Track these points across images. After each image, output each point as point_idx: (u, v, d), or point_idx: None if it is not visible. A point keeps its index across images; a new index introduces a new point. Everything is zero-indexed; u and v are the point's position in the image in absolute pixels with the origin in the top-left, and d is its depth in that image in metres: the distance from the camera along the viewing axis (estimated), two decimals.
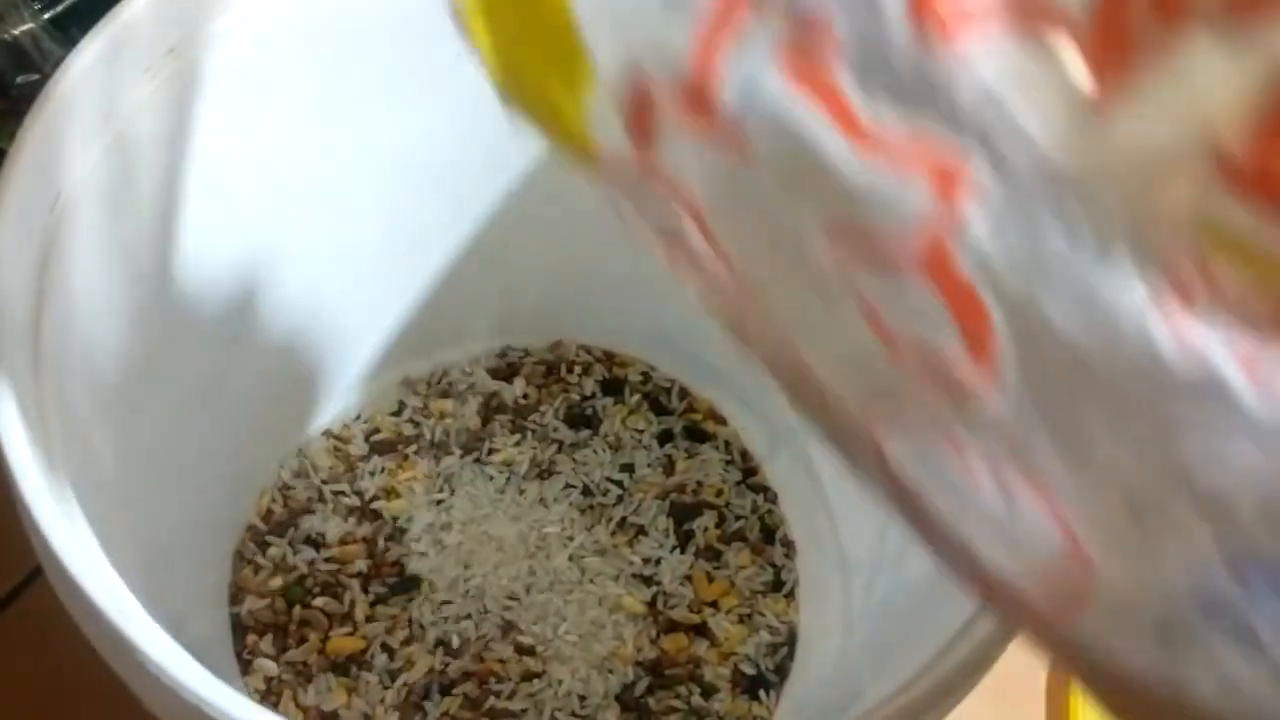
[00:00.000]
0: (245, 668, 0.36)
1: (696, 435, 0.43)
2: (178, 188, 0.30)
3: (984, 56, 0.15)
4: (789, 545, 0.42)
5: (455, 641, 0.38)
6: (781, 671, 0.39)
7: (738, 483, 0.43)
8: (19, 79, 0.36)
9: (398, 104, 0.34)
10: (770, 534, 0.42)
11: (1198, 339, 0.14)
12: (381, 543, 0.40)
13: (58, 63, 0.35)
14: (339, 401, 0.43)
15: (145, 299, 0.30)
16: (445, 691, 0.37)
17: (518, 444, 0.42)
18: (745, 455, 0.43)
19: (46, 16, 0.38)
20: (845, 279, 0.16)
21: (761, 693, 0.38)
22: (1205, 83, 0.14)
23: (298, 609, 0.38)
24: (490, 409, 0.43)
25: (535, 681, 0.38)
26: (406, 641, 0.38)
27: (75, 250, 0.26)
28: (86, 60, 0.25)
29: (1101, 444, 0.15)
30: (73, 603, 0.22)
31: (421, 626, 0.38)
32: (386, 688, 0.37)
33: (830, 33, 0.15)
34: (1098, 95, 0.15)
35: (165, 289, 0.31)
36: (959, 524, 0.17)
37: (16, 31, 0.36)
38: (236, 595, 0.38)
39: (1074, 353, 0.15)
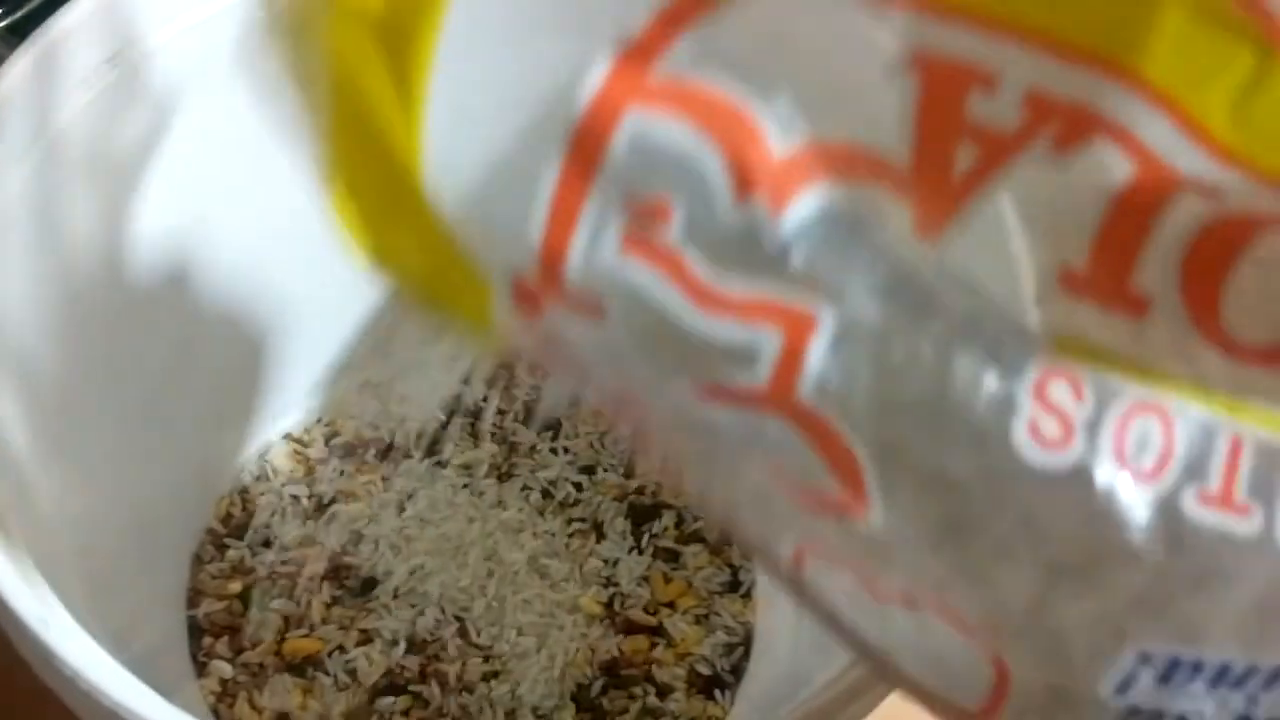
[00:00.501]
0: (201, 670, 0.37)
1: None
2: (118, 199, 0.30)
3: (810, 211, 0.16)
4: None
5: (411, 642, 0.38)
6: (737, 671, 0.39)
7: None
8: None
9: None
10: (728, 534, 0.42)
11: (1058, 434, 0.15)
12: (340, 545, 0.40)
13: None
14: (300, 405, 0.43)
15: (87, 311, 0.31)
16: (400, 692, 0.37)
17: (476, 446, 0.42)
18: None
19: (4, 24, 0.38)
20: (715, 426, 0.17)
21: (717, 692, 0.39)
22: (1032, 209, 0.15)
23: (254, 611, 0.38)
24: (449, 411, 0.43)
25: (492, 682, 0.38)
26: (362, 642, 0.38)
27: (7, 265, 0.26)
28: (18, 73, 0.25)
29: (985, 554, 0.16)
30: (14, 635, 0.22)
31: (378, 628, 0.38)
32: (342, 689, 0.37)
33: (666, 210, 0.17)
34: (924, 230, 0.16)
35: (109, 300, 0.32)
36: (880, 639, 0.18)
37: None
38: (194, 598, 0.38)
39: (936, 466, 0.16)
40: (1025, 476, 0.15)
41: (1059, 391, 0.15)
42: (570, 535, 0.41)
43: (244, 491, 0.41)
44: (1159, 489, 0.15)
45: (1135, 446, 0.15)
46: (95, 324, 0.31)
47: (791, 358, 0.16)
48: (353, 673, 0.37)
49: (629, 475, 0.43)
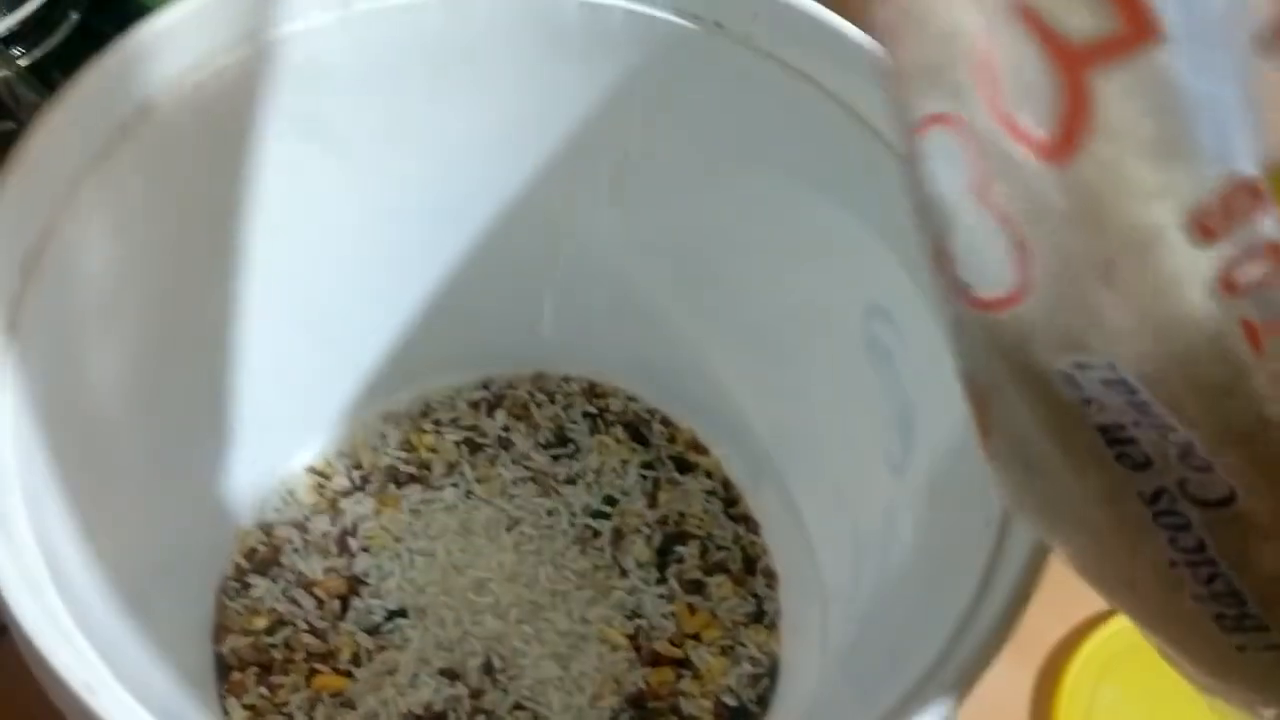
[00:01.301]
0: (227, 706, 0.37)
1: (679, 465, 0.44)
2: (154, 239, 0.30)
3: None
4: (770, 576, 0.42)
5: (438, 678, 0.38)
6: (763, 702, 0.39)
7: (720, 513, 0.43)
8: None
9: (371, 148, 0.35)
10: (752, 564, 0.42)
11: None
12: (365, 578, 0.40)
13: (34, 109, 0.36)
14: (321, 436, 0.43)
15: (121, 342, 0.31)
16: None
17: (500, 476, 0.42)
18: (727, 485, 0.44)
19: (25, 63, 0.38)
20: None
21: None
22: None
23: (281, 647, 0.38)
24: (472, 442, 0.43)
25: (518, 714, 0.38)
26: (390, 678, 0.38)
27: (45, 301, 0.26)
28: (64, 108, 0.25)
29: None
30: (39, 671, 0.22)
31: (403, 661, 0.38)
32: None
33: None
34: None
35: (141, 330, 0.32)
36: None
37: None
38: (219, 634, 0.38)
39: None
40: None
41: None
42: (595, 566, 0.41)
43: (267, 526, 0.40)
44: None
45: None
46: (129, 350, 0.31)
47: None
48: (382, 708, 0.37)
49: (652, 504, 0.42)
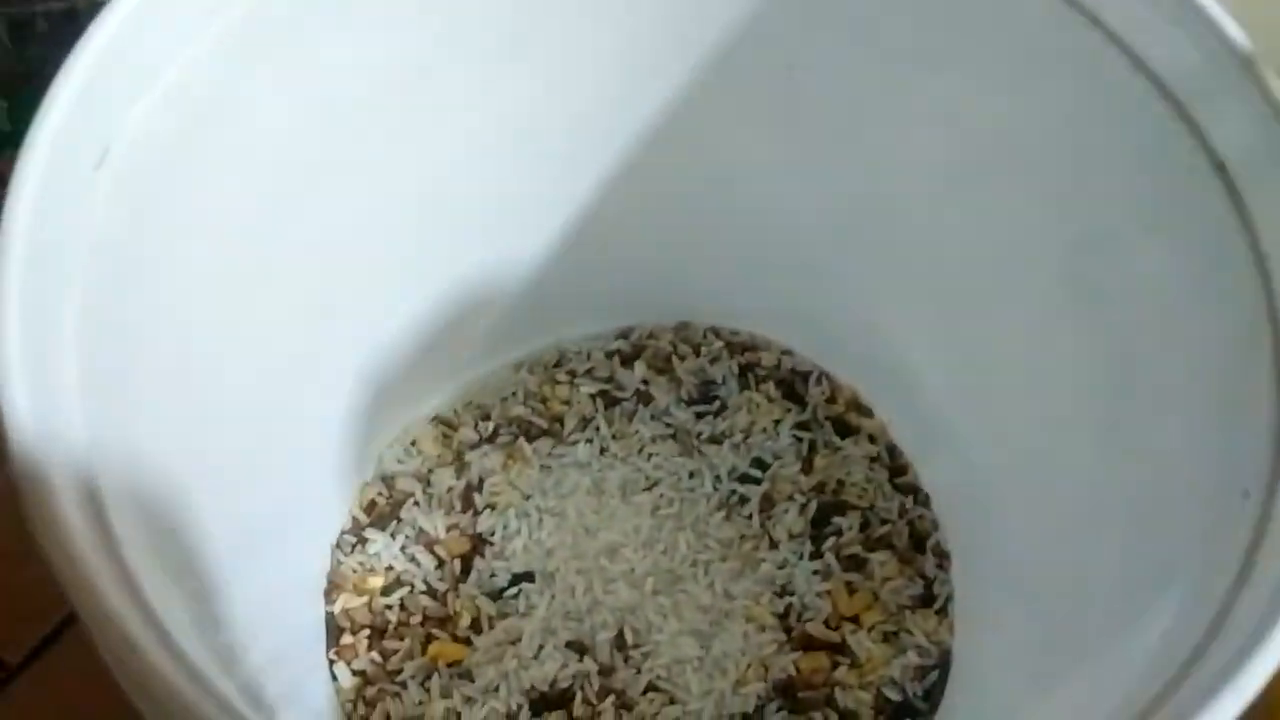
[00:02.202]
0: (336, 671, 0.34)
1: (839, 428, 0.39)
2: (253, 148, 0.27)
3: None
4: (942, 555, 0.37)
5: (565, 651, 0.34)
6: (931, 699, 0.34)
7: (885, 483, 0.38)
8: None
9: (498, 62, 0.31)
10: (920, 541, 0.37)
11: None
12: (489, 538, 0.36)
13: None
14: (449, 385, 0.39)
15: (223, 267, 0.28)
16: (553, 707, 0.34)
17: (638, 434, 0.38)
18: (893, 452, 0.39)
19: None
20: None
21: None
22: None
23: (397, 609, 0.35)
24: (609, 395, 0.39)
25: (652, 697, 0.34)
26: (513, 648, 0.34)
27: (133, 212, 0.23)
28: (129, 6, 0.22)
29: None
30: (107, 641, 0.19)
31: (528, 631, 0.34)
32: (489, 700, 0.33)
33: None
34: None
35: (246, 255, 0.29)
36: None
37: None
38: (331, 592, 0.35)
39: None
40: None
41: None
42: (741, 537, 0.37)
43: (388, 478, 0.37)
44: None
45: None
46: (242, 290, 0.28)
47: None
48: (502, 681, 0.34)
49: (807, 470, 0.38)
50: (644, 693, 0.34)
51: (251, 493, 0.31)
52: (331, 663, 0.34)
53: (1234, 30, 0.23)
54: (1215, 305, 0.23)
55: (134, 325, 0.25)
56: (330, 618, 0.35)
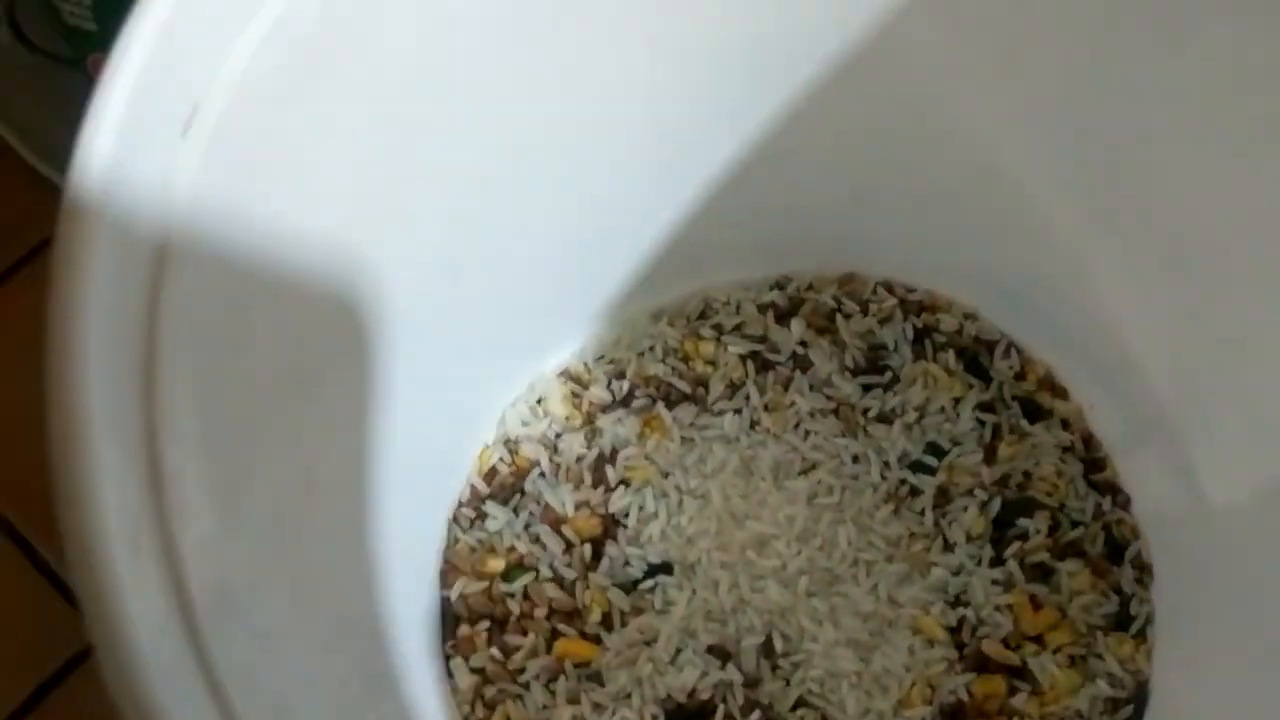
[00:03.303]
0: (453, 667, 0.30)
1: (1028, 410, 0.33)
2: (368, 91, 0.22)
3: None
4: (1144, 569, 0.32)
5: (706, 657, 0.30)
6: None
7: (1079, 478, 0.33)
8: None
9: None
10: (1118, 551, 0.32)
11: None
12: (623, 519, 0.32)
13: None
14: (579, 334, 0.35)
15: (336, 212, 0.23)
16: (692, 718, 0.30)
17: (794, 407, 0.33)
18: (1090, 442, 0.33)
19: None
20: None
21: None
22: None
23: (519, 598, 0.31)
24: (761, 358, 0.34)
25: (803, 713, 0.30)
26: (648, 650, 0.30)
27: (227, 174, 0.19)
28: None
29: None
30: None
31: (665, 631, 0.31)
32: (620, 709, 0.30)
33: None
34: None
35: (364, 203, 0.24)
36: None
37: None
38: (448, 576, 0.31)
39: None
40: None
41: None
42: (910, 534, 0.32)
43: (511, 443, 0.33)
44: None
45: None
46: (333, 222, 0.24)
47: None
48: (636, 687, 0.30)
49: (990, 460, 0.33)
50: (793, 709, 0.30)
51: (365, 460, 0.27)
52: (448, 657, 0.30)
53: None
54: None
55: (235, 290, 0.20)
56: (446, 603, 0.31)
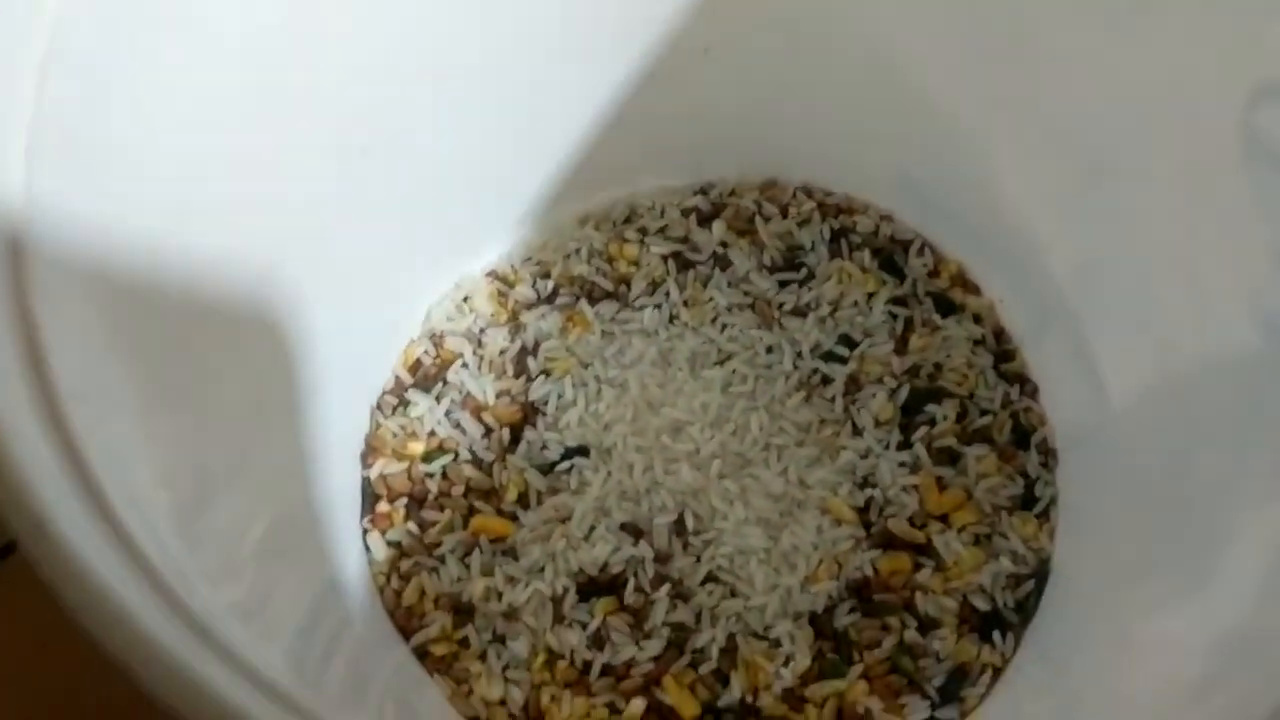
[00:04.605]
0: (369, 541, 0.31)
1: (940, 305, 0.34)
2: None
3: None
4: (1049, 453, 0.33)
5: (619, 533, 0.31)
6: (1024, 611, 0.31)
7: (989, 369, 0.34)
8: None
9: None
10: (1025, 437, 0.33)
11: None
12: (542, 407, 0.33)
13: None
14: (507, 237, 0.36)
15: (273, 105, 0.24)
16: (603, 592, 0.31)
17: (712, 302, 0.34)
18: (1000, 335, 0.34)
19: None
20: None
21: (996, 635, 0.30)
22: None
23: (438, 478, 0.32)
24: (682, 257, 0.35)
25: (712, 588, 0.31)
26: (562, 527, 0.31)
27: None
28: None
29: None
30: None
31: (579, 510, 0.31)
32: (533, 581, 0.31)
33: None
34: None
35: (297, 91, 0.25)
36: None
37: None
38: (369, 455, 0.32)
39: None
40: None
41: None
42: (822, 420, 0.33)
43: (436, 336, 0.34)
44: None
45: None
46: (278, 107, 0.25)
47: None
48: (549, 562, 0.31)
49: (901, 350, 0.34)
50: (703, 583, 0.31)
51: (293, 348, 0.28)
52: (365, 532, 0.31)
53: None
54: None
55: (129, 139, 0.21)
56: (366, 483, 0.32)
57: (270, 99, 0.26)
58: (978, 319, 0.34)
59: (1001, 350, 0.34)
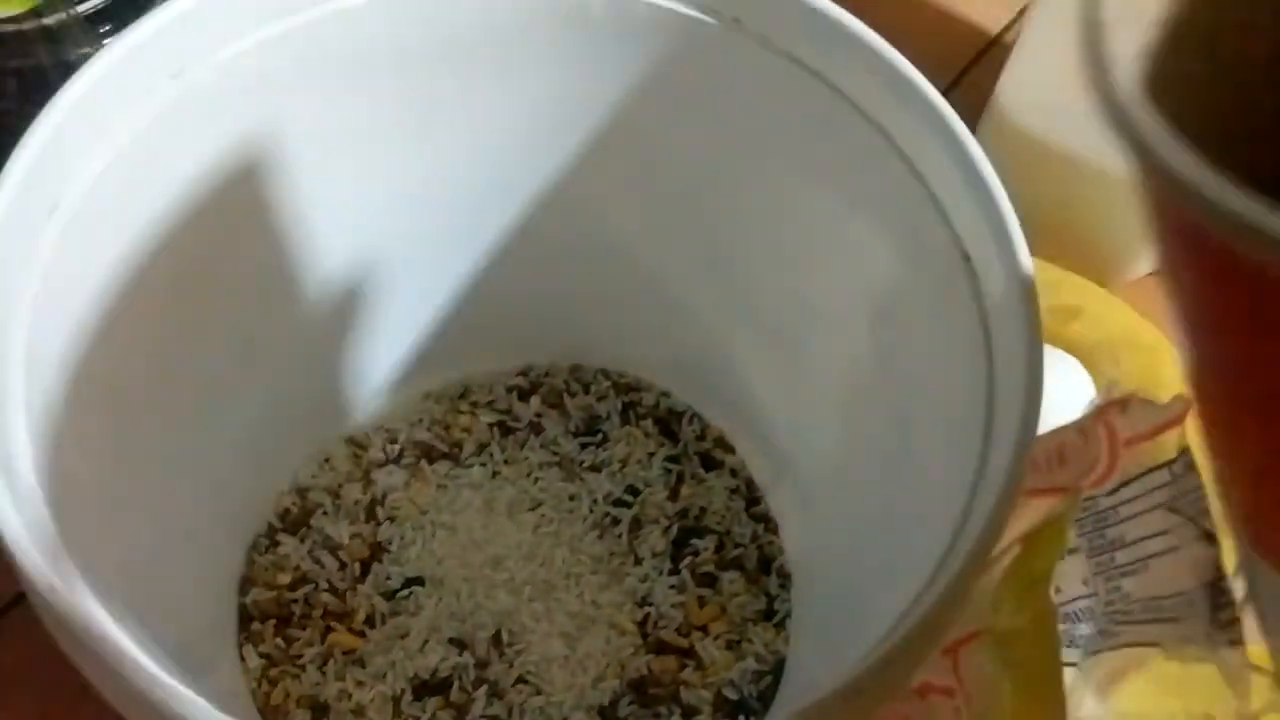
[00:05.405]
0: (244, 653, 0.38)
1: (705, 462, 0.44)
2: (185, 203, 0.32)
3: None
4: (785, 576, 0.42)
5: (447, 645, 0.39)
6: (765, 699, 0.40)
7: (741, 511, 0.43)
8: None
9: (402, 131, 0.36)
10: (767, 564, 0.42)
11: None
12: (388, 545, 0.41)
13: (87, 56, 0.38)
14: (362, 410, 0.45)
15: (155, 303, 0.33)
16: (434, 692, 0.39)
17: (528, 460, 0.44)
18: (750, 485, 0.44)
19: (109, 41, 0.41)
20: None
21: (742, 717, 0.39)
22: None
23: (301, 603, 0.40)
24: (505, 425, 0.44)
25: (521, 688, 0.39)
26: (401, 641, 0.39)
27: (77, 254, 0.29)
28: (90, 77, 0.28)
29: None
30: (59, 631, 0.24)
31: (416, 627, 0.39)
32: (377, 685, 0.38)
33: None
34: None
35: (177, 292, 0.34)
36: None
37: (75, 54, 0.39)
38: (245, 586, 0.40)
39: None
40: None
41: None
42: (611, 553, 0.42)
43: (302, 490, 0.42)
44: None
45: None
46: (166, 312, 0.33)
47: None
48: (390, 669, 0.39)
49: (673, 497, 0.43)
50: (514, 684, 0.39)
51: (180, 501, 0.36)
52: (241, 645, 0.39)
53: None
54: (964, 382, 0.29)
55: (70, 353, 0.30)
56: (243, 607, 0.39)
57: (190, 310, 0.34)
58: (734, 472, 0.44)
59: (751, 496, 0.44)
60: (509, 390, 0.46)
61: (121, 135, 0.29)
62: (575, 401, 0.45)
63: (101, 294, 0.30)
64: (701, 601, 0.41)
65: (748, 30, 0.33)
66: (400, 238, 0.41)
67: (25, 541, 0.23)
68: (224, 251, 0.35)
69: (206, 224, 0.33)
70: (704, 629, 0.41)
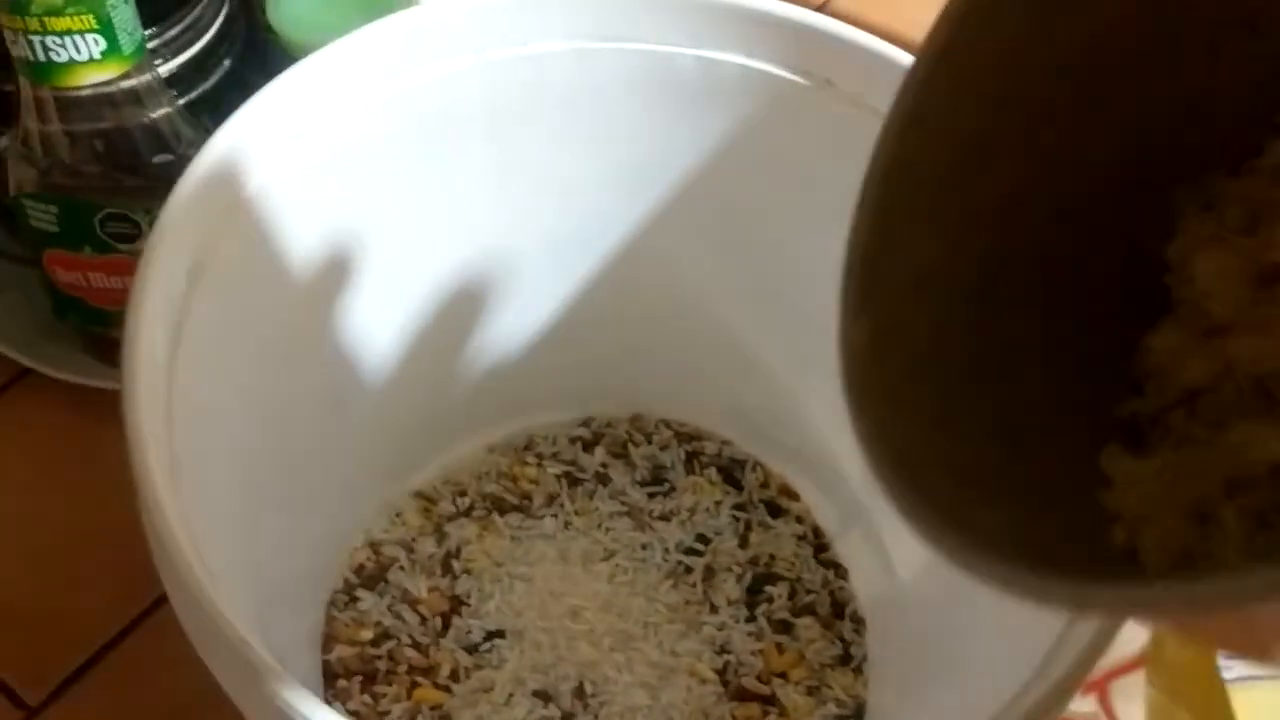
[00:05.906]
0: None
1: (771, 510, 0.45)
2: (296, 262, 0.33)
3: None
4: (858, 621, 0.42)
5: (532, 698, 0.39)
6: None
7: (810, 558, 0.44)
8: (155, 159, 0.40)
9: (490, 184, 0.37)
10: (840, 609, 0.43)
11: None
12: (466, 599, 0.41)
13: (190, 144, 0.39)
14: (430, 464, 0.45)
15: (265, 364, 0.33)
16: None
17: (597, 510, 0.44)
18: (817, 531, 0.44)
19: (181, 102, 0.41)
20: None
21: None
22: None
23: (385, 659, 0.40)
24: (572, 476, 0.45)
25: None
26: (486, 695, 0.39)
27: (205, 317, 0.29)
28: (223, 144, 0.28)
29: None
30: (199, 631, 0.24)
31: (499, 680, 0.39)
32: None
33: None
34: None
35: (283, 354, 0.34)
36: None
37: (155, 115, 0.39)
38: (328, 643, 0.40)
39: None
40: None
41: None
42: (686, 602, 0.42)
43: (375, 545, 0.42)
44: None
45: None
46: (273, 375, 0.33)
47: None
48: None
49: (743, 545, 0.44)
50: None
51: (270, 555, 0.36)
52: (329, 703, 0.38)
53: None
54: None
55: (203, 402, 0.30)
56: (327, 665, 0.39)
57: (286, 366, 0.35)
58: (800, 519, 0.45)
59: (818, 543, 0.44)
60: (572, 441, 0.46)
61: (249, 195, 0.29)
62: (640, 451, 0.46)
63: (221, 352, 0.31)
64: (780, 648, 0.41)
65: (840, 90, 0.34)
66: (474, 290, 0.41)
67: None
68: (325, 308, 0.35)
69: (314, 285, 0.33)
70: (784, 675, 0.41)
